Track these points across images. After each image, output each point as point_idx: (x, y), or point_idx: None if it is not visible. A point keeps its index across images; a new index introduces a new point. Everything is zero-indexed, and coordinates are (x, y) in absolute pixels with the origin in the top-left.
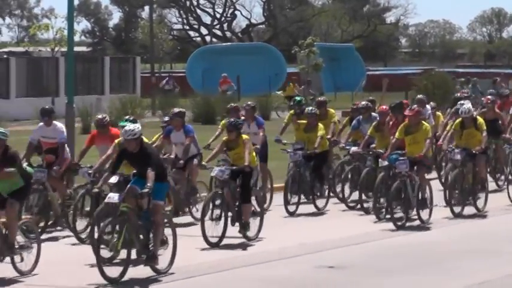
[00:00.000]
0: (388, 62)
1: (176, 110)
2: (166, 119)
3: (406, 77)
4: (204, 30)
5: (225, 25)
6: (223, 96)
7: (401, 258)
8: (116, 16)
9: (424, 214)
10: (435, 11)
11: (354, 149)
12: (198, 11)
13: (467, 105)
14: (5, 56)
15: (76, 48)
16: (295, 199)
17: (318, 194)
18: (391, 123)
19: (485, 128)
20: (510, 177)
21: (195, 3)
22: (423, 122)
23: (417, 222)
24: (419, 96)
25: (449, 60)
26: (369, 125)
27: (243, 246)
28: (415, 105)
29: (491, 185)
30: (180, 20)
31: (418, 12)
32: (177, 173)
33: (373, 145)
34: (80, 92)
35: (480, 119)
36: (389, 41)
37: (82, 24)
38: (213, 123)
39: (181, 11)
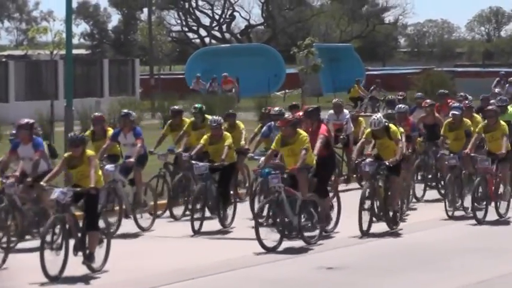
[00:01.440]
0: (387, 61)
1: (23, 121)
2: (14, 131)
3: (405, 77)
4: (203, 32)
5: (224, 26)
6: (225, 96)
7: (397, 258)
8: (114, 18)
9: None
10: (433, 10)
11: (263, 159)
12: (197, 12)
13: (377, 115)
14: (4, 60)
15: (75, 51)
16: (196, 214)
17: (224, 210)
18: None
19: (399, 137)
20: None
21: (193, 4)
22: (299, 131)
23: (410, 222)
24: (335, 100)
25: (447, 59)
26: None
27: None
28: (289, 113)
29: (432, 194)
30: (178, 21)
31: (416, 12)
32: (24, 191)
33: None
34: (79, 94)
35: (393, 128)
36: (388, 40)
37: (81, 27)
38: None
39: (180, 13)
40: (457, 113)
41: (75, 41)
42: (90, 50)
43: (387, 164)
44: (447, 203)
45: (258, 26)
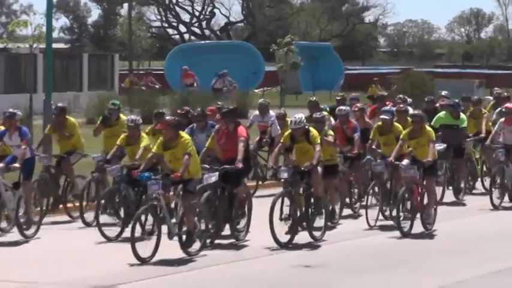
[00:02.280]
0: (366, 61)
1: (10, 111)
2: None
3: (384, 77)
4: (182, 28)
5: (204, 23)
6: (187, 91)
7: (376, 257)
8: (94, 13)
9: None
10: (414, 10)
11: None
12: (177, 8)
13: (299, 114)
14: None
15: (54, 45)
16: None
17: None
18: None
19: (319, 141)
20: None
21: (174, 1)
22: (182, 134)
23: (390, 222)
24: (261, 100)
25: (427, 60)
26: (205, 136)
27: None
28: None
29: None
30: (158, 17)
31: (396, 12)
32: None
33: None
34: (58, 88)
35: (314, 131)
36: (368, 40)
37: (61, 21)
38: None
39: (160, 9)
40: (386, 117)
41: (54, 35)
42: (70, 44)
43: (302, 169)
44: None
45: (237, 23)
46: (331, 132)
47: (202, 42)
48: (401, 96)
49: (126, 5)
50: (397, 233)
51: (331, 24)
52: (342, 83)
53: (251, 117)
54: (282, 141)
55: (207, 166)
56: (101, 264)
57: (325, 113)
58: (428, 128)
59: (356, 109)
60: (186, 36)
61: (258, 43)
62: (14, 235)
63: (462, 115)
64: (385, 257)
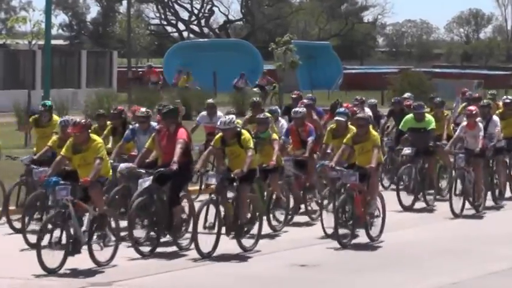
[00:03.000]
0: (365, 61)
1: None
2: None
3: (382, 76)
4: (181, 26)
5: (203, 21)
6: (153, 88)
7: (375, 257)
8: (93, 10)
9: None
10: (413, 10)
11: (123, 165)
12: (176, 6)
13: (229, 115)
14: None
15: (53, 42)
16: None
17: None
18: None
19: (251, 145)
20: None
21: None
22: (93, 137)
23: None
24: (209, 100)
25: (426, 60)
26: (147, 137)
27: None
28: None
29: None
30: (157, 15)
31: (395, 12)
32: None
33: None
34: (56, 85)
35: (246, 134)
36: (367, 40)
37: (60, 18)
38: (188, 118)
39: (159, 6)
40: (341, 119)
41: (53, 31)
42: (68, 41)
43: (232, 175)
44: (324, 219)
45: (236, 22)
46: (275, 136)
47: (201, 40)
48: (358, 97)
49: (125, 3)
50: (394, 233)
51: (330, 23)
52: (340, 83)
53: (198, 118)
54: (212, 143)
55: (142, 170)
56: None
57: (268, 114)
58: (374, 133)
59: (302, 105)
60: (185, 34)
61: (257, 41)
62: None
63: (428, 117)
64: (382, 257)
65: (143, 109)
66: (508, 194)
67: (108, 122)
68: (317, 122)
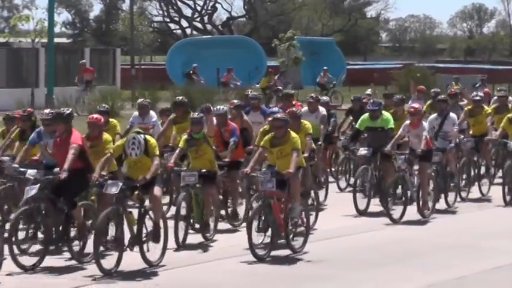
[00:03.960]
0: (368, 56)
1: None
2: None
3: (385, 72)
4: (184, 23)
5: (206, 18)
6: (87, 87)
7: (378, 252)
8: (96, 8)
9: None
10: (416, 5)
11: (31, 172)
12: (179, 3)
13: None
14: None
15: (56, 40)
16: None
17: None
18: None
19: (157, 152)
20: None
21: None
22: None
23: (380, 219)
24: (140, 100)
25: (429, 55)
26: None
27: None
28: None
29: None
30: (160, 12)
31: (398, 7)
32: None
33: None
34: (60, 83)
35: (151, 141)
36: (370, 35)
37: (63, 16)
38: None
39: (162, 3)
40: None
41: (56, 29)
42: (72, 38)
43: (136, 183)
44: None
45: (239, 18)
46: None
47: (204, 37)
48: (313, 95)
49: (127, 0)
50: (397, 229)
51: (333, 19)
52: (343, 78)
53: (130, 119)
54: (111, 150)
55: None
56: None
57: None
58: (293, 135)
59: (231, 106)
60: (188, 31)
61: (260, 38)
62: None
63: (386, 115)
64: (387, 252)
65: (47, 110)
66: (477, 194)
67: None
68: (247, 123)
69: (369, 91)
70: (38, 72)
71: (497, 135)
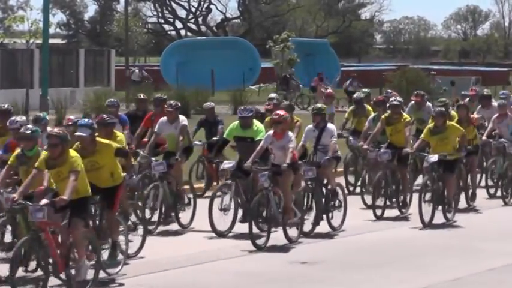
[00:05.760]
0: (363, 58)
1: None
2: None
3: (380, 73)
4: (179, 24)
5: (200, 19)
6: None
7: (370, 254)
8: (91, 9)
9: None
10: (410, 7)
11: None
12: (173, 4)
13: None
14: None
15: (51, 41)
16: None
17: None
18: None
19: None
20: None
21: None
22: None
23: (388, 218)
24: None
25: (423, 57)
26: None
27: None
28: None
29: None
30: (155, 13)
31: (393, 9)
32: None
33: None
34: (54, 84)
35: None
36: (364, 37)
37: (57, 17)
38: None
39: (157, 5)
40: (82, 134)
41: (51, 30)
42: (66, 39)
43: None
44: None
45: (234, 20)
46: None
47: (199, 38)
48: (272, 96)
49: (122, 1)
50: (394, 230)
51: (328, 20)
52: (338, 80)
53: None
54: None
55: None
56: None
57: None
58: (72, 155)
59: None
60: (183, 32)
61: (255, 39)
62: None
63: (257, 125)
64: (382, 254)
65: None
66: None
67: None
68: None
69: (273, 95)
70: (33, 73)
71: (414, 147)
